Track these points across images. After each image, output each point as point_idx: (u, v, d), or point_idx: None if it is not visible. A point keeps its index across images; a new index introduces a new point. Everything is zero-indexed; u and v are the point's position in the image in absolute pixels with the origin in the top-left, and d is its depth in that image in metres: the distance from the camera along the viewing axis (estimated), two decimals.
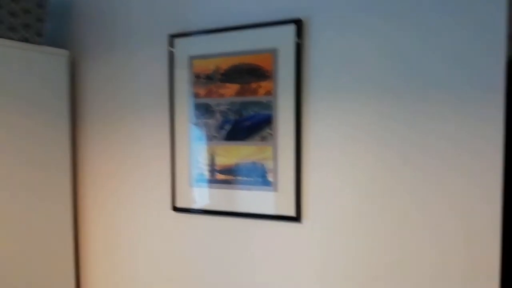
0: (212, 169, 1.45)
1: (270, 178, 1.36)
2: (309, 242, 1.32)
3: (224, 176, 1.43)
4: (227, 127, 1.43)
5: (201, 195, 1.47)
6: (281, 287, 1.37)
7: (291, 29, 1.32)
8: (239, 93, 1.40)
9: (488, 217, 1.13)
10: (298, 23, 1.30)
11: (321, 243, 1.31)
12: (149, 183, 1.58)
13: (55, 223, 1.60)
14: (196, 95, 1.47)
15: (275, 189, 1.35)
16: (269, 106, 1.36)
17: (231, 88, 1.41)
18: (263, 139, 1.37)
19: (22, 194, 1.48)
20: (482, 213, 1.13)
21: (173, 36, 1.50)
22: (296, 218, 1.33)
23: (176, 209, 1.51)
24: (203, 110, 1.46)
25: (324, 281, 1.31)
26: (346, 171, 1.28)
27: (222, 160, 1.43)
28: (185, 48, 1.48)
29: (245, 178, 1.40)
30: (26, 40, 1.48)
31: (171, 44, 1.50)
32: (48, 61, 1.57)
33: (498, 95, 1.11)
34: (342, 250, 1.29)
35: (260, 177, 1.37)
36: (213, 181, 1.45)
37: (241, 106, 1.40)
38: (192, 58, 1.47)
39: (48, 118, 1.57)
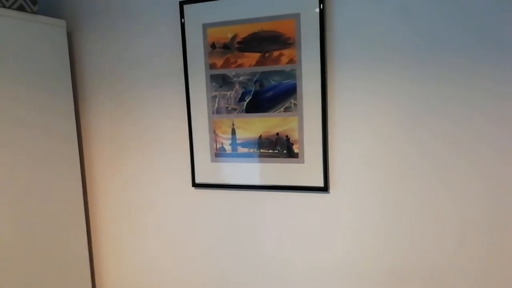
0: (234, 143, 1.40)
1: (295, 149, 1.33)
2: (338, 211, 1.32)
3: (247, 149, 1.39)
4: (248, 98, 1.37)
5: (224, 170, 1.43)
6: (311, 255, 1.38)
7: None
8: (259, 63, 1.34)
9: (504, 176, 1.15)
10: None
11: (349, 211, 1.31)
12: (166, 158, 1.52)
13: (65, 197, 1.53)
14: (212, 66, 1.40)
15: (302, 161, 1.33)
16: (292, 75, 1.31)
17: (250, 57, 1.35)
18: (287, 109, 1.33)
19: (30, 167, 1.39)
20: (506, 178, 1.16)
21: (183, 2, 1.40)
22: (324, 188, 1.31)
23: (196, 185, 1.47)
24: (221, 81, 1.40)
25: (353, 246, 1.32)
26: (371, 140, 1.27)
27: (244, 133, 1.39)
28: (198, 15, 1.39)
29: (269, 151, 1.36)
30: (21, 8, 1.34)
31: (181, 12, 1.41)
32: (46, 32, 1.44)
33: None
34: (369, 216, 1.29)
35: (286, 148, 1.34)
36: (235, 155, 1.41)
37: (262, 76, 1.34)
38: (206, 26, 1.39)
39: (51, 91, 1.47)
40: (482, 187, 1.18)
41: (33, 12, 1.38)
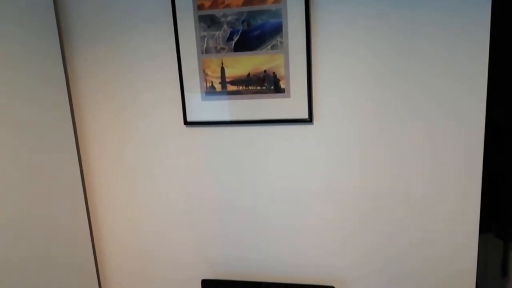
0: (223, 81, 1.49)
1: (282, 85, 1.44)
2: (321, 139, 1.47)
3: (236, 87, 1.48)
4: (236, 38, 1.44)
5: (214, 108, 1.52)
6: (299, 179, 1.53)
7: None
8: (246, 3, 1.41)
9: (473, 111, 1.33)
10: None
11: (332, 139, 1.46)
12: (156, 98, 1.58)
13: (58, 142, 1.57)
14: (200, 7, 1.45)
15: (288, 95, 1.44)
16: (278, 14, 1.39)
17: None
18: (274, 47, 1.42)
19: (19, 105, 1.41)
20: (468, 111, 1.33)
21: None
22: (309, 120, 1.44)
23: (188, 123, 1.55)
24: (209, 21, 1.45)
25: (337, 171, 1.48)
26: (352, 74, 1.39)
27: (233, 71, 1.47)
28: None
29: (258, 87, 1.46)
30: None
31: None
32: None
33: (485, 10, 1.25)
34: (350, 144, 1.45)
35: (273, 84, 1.45)
36: (224, 93, 1.49)
37: (249, 15, 1.42)
38: None
39: (36, 37, 1.46)
40: (451, 119, 1.35)
41: None
